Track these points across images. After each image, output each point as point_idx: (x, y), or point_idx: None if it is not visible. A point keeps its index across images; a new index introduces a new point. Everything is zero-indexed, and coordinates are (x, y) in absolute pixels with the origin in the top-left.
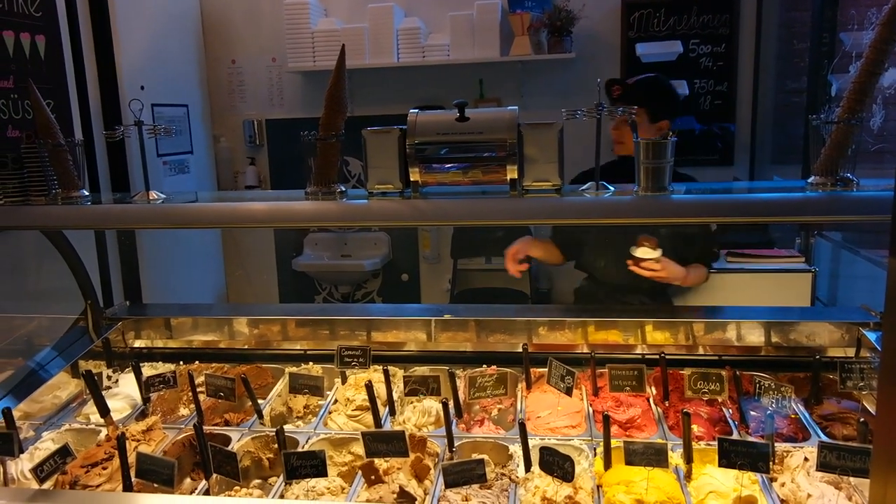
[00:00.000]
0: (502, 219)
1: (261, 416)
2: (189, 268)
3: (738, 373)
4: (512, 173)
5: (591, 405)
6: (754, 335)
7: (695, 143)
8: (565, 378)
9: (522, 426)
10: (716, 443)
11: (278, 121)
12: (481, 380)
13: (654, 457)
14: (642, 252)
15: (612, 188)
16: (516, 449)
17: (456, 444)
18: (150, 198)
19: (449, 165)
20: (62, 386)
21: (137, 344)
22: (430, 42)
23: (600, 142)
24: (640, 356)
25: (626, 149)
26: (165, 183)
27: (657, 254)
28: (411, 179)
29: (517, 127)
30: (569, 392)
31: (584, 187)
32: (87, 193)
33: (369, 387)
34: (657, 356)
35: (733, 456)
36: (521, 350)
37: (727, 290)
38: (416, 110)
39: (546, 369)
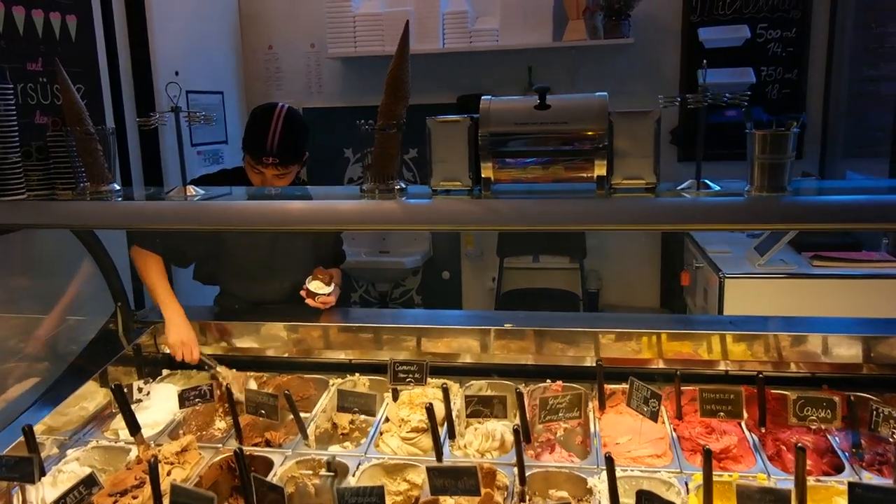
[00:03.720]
0: (592, 223)
1: (306, 437)
2: None
3: (851, 398)
4: (600, 169)
5: (675, 430)
6: (853, 350)
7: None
8: (650, 401)
9: (610, 462)
10: (827, 479)
11: (317, 109)
12: (553, 401)
13: (772, 503)
14: (317, 286)
15: (715, 186)
16: (595, 482)
17: (526, 473)
18: (188, 194)
19: (527, 160)
20: (90, 396)
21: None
22: (477, 27)
23: (704, 132)
24: (723, 372)
25: None
26: (199, 174)
27: (331, 288)
28: (482, 175)
29: (608, 116)
30: (654, 417)
31: (683, 185)
32: (118, 187)
33: (430, 410)
34: (740, 372)
35: None
36: (588, 364)
37: (815, 298)
38: (490, 97)
39: (619, 386)
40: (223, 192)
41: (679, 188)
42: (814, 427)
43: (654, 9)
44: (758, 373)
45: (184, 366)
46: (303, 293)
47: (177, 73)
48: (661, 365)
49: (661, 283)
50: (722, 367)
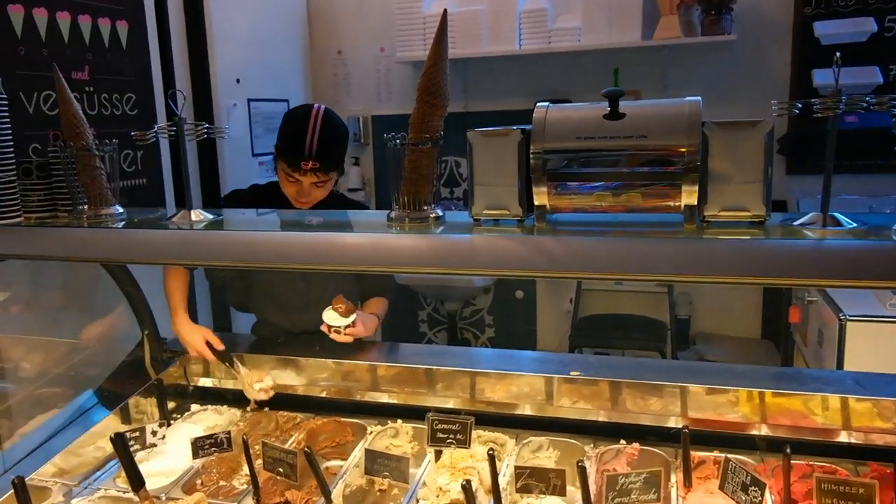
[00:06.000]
0: (679, 273)
1: (329, 501)
2: None
3: None
4: (690, 197)
5: None
6: None
7: (890, 144)
8: (750, 490)
9: None
10: None
11: (385, 117)
12: (625, 480)
13: None
14: (331, 318)
15: (849, 221)
16: None
17: None
18: (193, 219)
19: (593, 184)
20: (108, 433)
21: (202, 382)
22: (557, 25)
23: (833, 147)
24: (844, 444)
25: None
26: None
27: (351, 318)
28: (536, 203)
29: (702, 128)
30: None
31: (803, 219)
32: (120, 210)
33: (467, 490)
34: (866, 444)
35: None
36: (672, 425)
37: None
38: (546, 104)
39: (709, 454)
40: (233, 216)
41: (798, 223)
42: None
43: (761, 2)
44: (895, 459)
45: (215, 401)
46: (324, 328)
47: (238, 81)
48: (765, 431)
49: (764, 309)
50: (843, 437)
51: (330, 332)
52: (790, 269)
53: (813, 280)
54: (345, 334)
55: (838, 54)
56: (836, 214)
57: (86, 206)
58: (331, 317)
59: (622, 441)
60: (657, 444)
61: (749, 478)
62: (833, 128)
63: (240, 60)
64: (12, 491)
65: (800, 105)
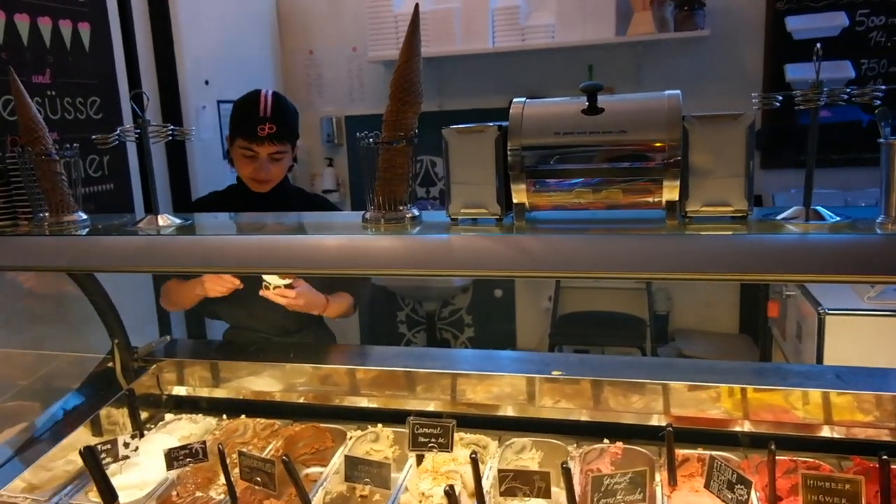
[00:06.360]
0: (662, 270)
1: None
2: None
3: None
4: (671, 193)
5: None
6: None
7: (861, 137)
8: (736, 488)
9: None
10: None
11: (359, 117)
12: (610, 481)
13: None
14: (271, 276)
15: (831, 215)
16: None
17: None
18: (160, 224)
19: (573, 181)
20: (79, 446)
21: (176, 391)
22: (531, 22)
23: (815, 141)
24: (826, 439)
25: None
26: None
27: (285, 282)
28: (514, 201)
29: (682, 122)
30: None
31: (785, 214)
32: (83, 217)
33: (451, 495)
34: (848, 438)
35: None
36: (654, 423)
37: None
38: (523, 100)
39: (693, 451)
40: (202, 220)
41: (780, 217)
42: None
43: None
44: (879, 454)
45: (190, 409)
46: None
47: (207, 83)
48: (748, 427)
49: (741, 303)
50: (825, 432)
51: (262, 286)
52: (776, 264)
53: (799, 275)
54: (273, 293)
55: (818, 45)
56: (818, 208)
57: (47, 214)
58: (270, 275)
59: (606, 440)
60: (641, 442)
61: (735, 476)
62: (814, 121)
63: (208, 62)
64: None
65: (780, 98)
